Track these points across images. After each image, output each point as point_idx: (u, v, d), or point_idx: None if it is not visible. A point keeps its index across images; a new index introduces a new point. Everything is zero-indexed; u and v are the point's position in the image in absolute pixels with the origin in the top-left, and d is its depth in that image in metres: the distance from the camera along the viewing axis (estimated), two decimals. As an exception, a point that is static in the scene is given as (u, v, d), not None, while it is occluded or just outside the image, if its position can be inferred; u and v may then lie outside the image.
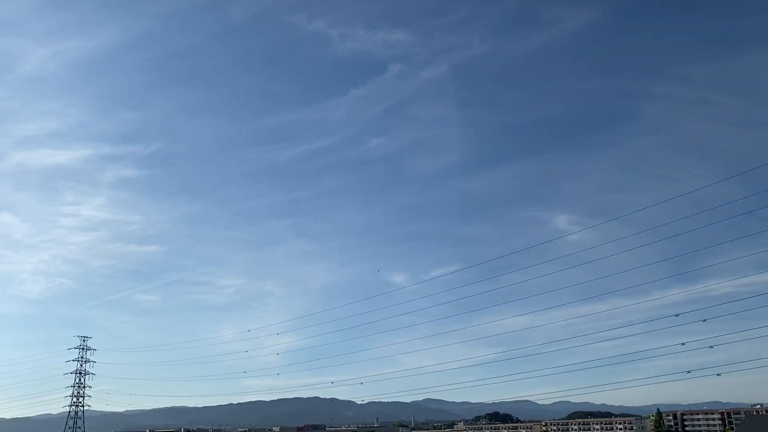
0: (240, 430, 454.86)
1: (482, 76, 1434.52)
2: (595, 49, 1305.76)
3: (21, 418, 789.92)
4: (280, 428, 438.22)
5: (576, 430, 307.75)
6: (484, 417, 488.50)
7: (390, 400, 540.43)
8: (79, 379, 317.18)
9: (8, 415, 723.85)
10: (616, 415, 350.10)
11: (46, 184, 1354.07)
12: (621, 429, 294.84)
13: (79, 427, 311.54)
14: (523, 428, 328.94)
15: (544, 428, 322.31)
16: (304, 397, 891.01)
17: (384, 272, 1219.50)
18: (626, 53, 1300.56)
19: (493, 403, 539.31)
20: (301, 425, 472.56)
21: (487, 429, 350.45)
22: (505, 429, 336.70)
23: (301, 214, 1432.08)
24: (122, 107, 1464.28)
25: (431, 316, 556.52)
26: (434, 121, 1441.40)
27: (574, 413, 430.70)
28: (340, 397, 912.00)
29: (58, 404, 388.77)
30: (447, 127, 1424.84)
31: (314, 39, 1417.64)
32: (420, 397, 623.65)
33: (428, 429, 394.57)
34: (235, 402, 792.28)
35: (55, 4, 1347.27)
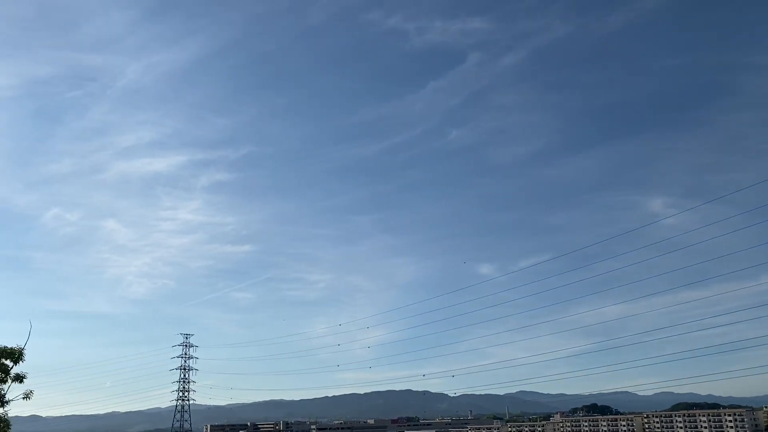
0: (336, 422, 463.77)
1: (564, 60, 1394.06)
2: (682, 22, 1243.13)
3: (134, 411, 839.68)
4: (374, 420, 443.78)
5: (681, 423, 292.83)
6: (581, 409, 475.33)
7: (483, 392, 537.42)
8: (184, 375, 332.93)
9: (122, 409, 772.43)
10: (724, 407, 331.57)
11: (146, 191, 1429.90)
12: (731, 422, 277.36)
13: (186, 420, 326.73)
14: (624, 420, 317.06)
15: (645, 421, 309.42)
16: (397, 389, 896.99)
17: (470, 264, 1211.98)
18: (717, 23, 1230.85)
19: (590, 395, 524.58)
20: (395, 418, 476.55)
21: (586, 422, 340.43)
22: (605, 422, 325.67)
23: (385, 209, 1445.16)
24: (213, 114, 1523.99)
25: (522, 307, 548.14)
26: (515, 108, 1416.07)
27: (677, 404, 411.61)
28: (433, 390, 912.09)
29: (165, 398, 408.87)
30: (529, 113, 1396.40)
31: (391, 34, 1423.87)
32: (513, 389, 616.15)
33: (523, 421, 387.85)
34: (329, 395, 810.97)
35: (147, 20, 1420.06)
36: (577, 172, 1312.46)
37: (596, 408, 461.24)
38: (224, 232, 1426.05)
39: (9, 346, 34.85)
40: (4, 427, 34.77)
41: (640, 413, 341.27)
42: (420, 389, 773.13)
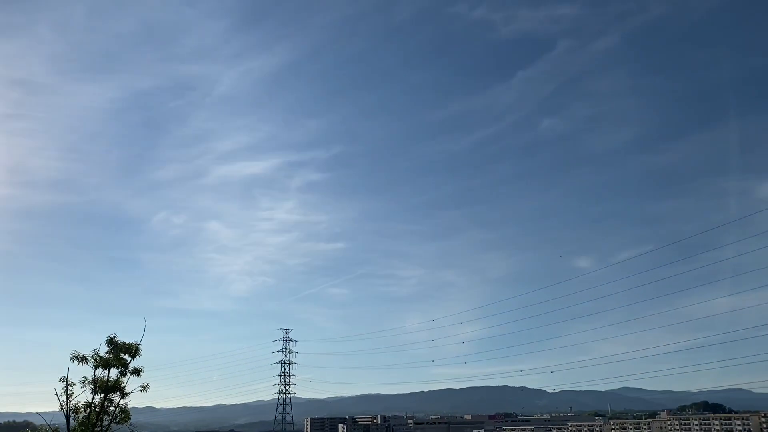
0: (432, 417, 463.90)
1: (661, 41, 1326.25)
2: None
3: (239, 404, 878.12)
4: (471, 416, 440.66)
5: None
6: (691, 407, 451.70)
7: (583, 388, 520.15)
8: (285, 369, 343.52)
9: (228, 402, 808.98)
10: None
11: (245, 193, 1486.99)
12: None
13: (288, 413, 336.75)
14: (738, 420, 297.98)
15: (763, 420, 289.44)
16: (493, 385, 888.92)
17: (567, 257, 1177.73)
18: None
19: (700, 392, 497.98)
20: (492, 413, 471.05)
21: (696, 420, 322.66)
22: (717, 420, 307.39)
23: (476, 203, 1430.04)
24: (305, 116, 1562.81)
25: (623, 301, 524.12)
26: (610, 94, 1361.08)
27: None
28: (530, 386, 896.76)
29: (268, 392, 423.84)
30: (625, 99, 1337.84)
31: (477, 26, 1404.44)
32: (616, 386, 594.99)
33: (627, 419, 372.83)
34: (425, 390, 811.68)
35: (240, 29, 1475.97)
36: (679, 158, 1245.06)
37: (707, 406, 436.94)
38: (318, 231, 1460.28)
39: (127, 342, 37.24)
40: (124, 416, 37.17)
41: (757, 412, 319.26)
42: (517, 385, 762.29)
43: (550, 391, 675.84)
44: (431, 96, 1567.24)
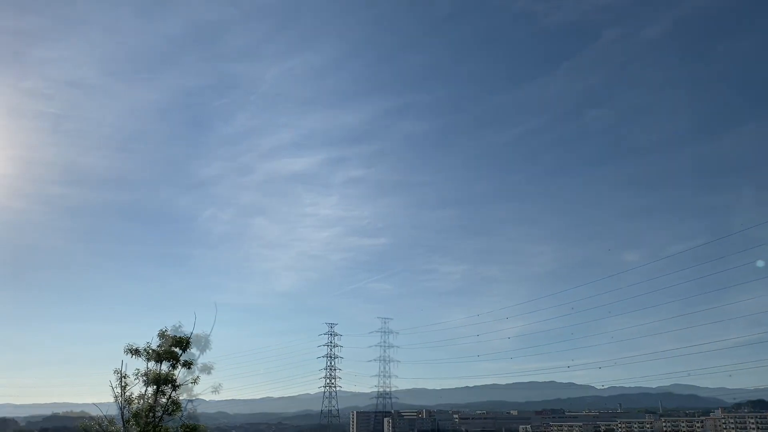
0: (478, 412, 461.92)
1: (714, 27, 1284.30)
2: None
3: (286, 397, 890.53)
4: (518, 412, 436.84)
5: None
6: (746, 404, 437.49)
7: (633, 385, 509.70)
8: (330, 362, 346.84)
9: (276, 394, 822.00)
10: None
11: (289, 189, 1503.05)
12: None
13: (334, 406, 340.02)
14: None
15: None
16: (540, 381, 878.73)
17: (615, 251, 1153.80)
18: None
19: (756, 390, 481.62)
20: (539, 409, 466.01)
21: (752, 418, 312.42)
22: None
23: (520, 197, 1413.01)
24: (345, 112, 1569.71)
25: (675, 295, 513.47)
26: (659, 83, 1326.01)
27: None
28: (578, 382, 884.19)
29: (314, 385, 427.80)
30: (675, 88, 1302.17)
31: (520, 17, 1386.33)
32: (667, 383, 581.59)
33: (679, 416, 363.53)
34: (471, 385, 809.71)
35: (282, 27, 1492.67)
36: (733, 149, 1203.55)
37: (764, 404, 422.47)
38: (361, 226, 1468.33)
39: (178, 336, 38.09)
40: (175, 409, 38.06)
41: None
42: (565, 381, 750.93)
43: (598, 387, 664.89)
44: (474, 89, 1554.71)
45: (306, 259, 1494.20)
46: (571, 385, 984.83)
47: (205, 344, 37.77)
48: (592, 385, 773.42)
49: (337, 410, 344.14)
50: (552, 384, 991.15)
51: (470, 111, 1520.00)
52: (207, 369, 38.02)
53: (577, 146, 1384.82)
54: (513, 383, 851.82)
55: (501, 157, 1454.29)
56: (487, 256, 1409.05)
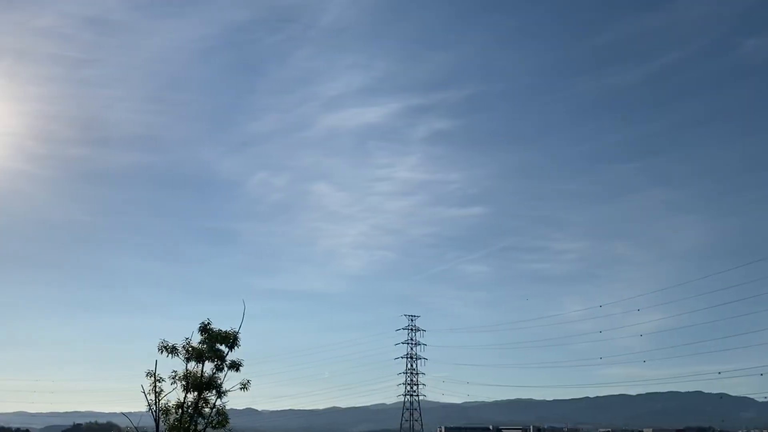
0: (602, 430, 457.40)
1: None
2: None
3: (357, 407, 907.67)
4: (652, 430, 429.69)
5: None
6: None
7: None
8: (411, 365, 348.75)
9: (343, 404, 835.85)
10: None
11: (358, 146, 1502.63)
12: None
13: (416, 420, 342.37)
14: None
15: None
16: (682, 391, 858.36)
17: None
18: None
19: None
20: (681, 427, 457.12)
21: None
22: None
23: (654, 154, 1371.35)
24: (430, 49, 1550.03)
25: None
26: None
27: None
28: (732, 393, 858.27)
29: (391, 393, 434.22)
30: None
31: None
32: None
33: None
34: (591, 395, 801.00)
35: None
36: None
37: None
38: (449, 192, 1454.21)
39: (224, 330, 38.37)
40: (222, 419, 38.58)
41: None
42: (714, 391, 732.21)
43: (760, 400, 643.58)
44: (589, 15, 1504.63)
45: (380, 234, 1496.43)
46: (723, 396, 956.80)
47: (233, 341, 38.18)
48: (751, 396, 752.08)
49: (421, 425, 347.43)
50: (698, 395, 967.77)
51: (586, 43, 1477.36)
52: (236, 366, 38.51)
53: (730, 87, 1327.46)
54: (647, 393, 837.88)
55: (629, 101, 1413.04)
56: (615, 228, 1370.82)
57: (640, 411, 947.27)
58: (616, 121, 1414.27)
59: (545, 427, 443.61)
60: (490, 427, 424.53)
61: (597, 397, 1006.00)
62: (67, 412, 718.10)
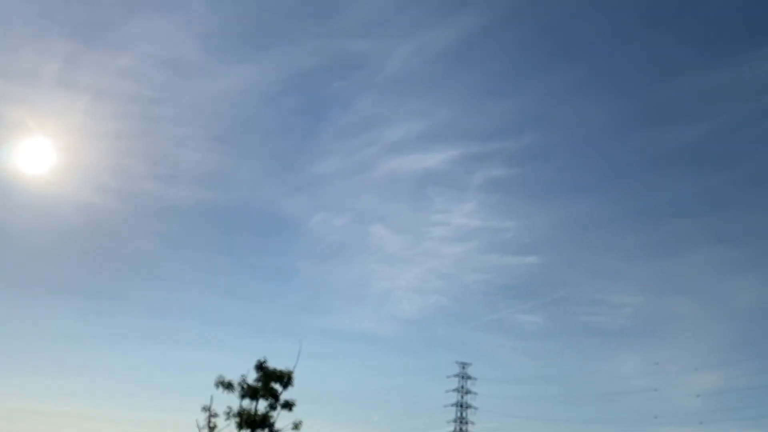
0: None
1: None
2: None
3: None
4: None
5: None
6: None
7: None
8: (462, 413, 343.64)
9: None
10: None
11: (416, 191, 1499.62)
12: None
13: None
14: None
15: None
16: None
17: None
18: None
19: None
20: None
21: None
22: None
23: (720, 208, 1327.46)
24: (489, 98, 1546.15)
25: None
26: None
27: None
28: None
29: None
30: None
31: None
32: None
33: None
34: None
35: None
36: None
37: None
38: (504, 240, 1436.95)
39: (278, 369, 38.48)
40: (272, 457, 38.44)
41: None
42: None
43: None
44: (654, 70, 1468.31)
45: (435, 279, 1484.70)
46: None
47: (288, 380, 38.15)
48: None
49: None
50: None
51: (652, 96, 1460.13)
52: (289, 405, 38.38)
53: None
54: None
55: (696, 155, 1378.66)
56: (674, 284, 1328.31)
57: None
58: (679, 175, 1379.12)
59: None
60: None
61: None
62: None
